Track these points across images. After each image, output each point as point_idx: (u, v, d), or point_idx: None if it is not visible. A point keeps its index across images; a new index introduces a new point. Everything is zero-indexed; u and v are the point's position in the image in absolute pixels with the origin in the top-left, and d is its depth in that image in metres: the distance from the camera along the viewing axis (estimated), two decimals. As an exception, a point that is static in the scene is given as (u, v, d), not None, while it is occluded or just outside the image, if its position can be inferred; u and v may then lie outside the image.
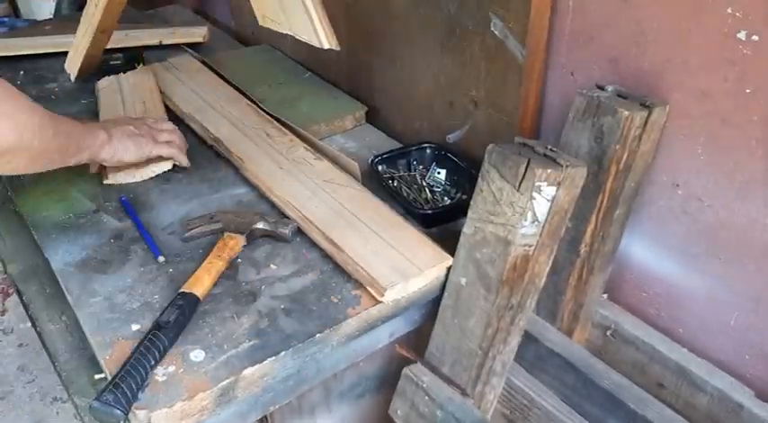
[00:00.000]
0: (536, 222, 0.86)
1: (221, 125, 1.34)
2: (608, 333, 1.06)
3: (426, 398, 1.00)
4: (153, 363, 0.85)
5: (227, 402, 0.88)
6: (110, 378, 0.84)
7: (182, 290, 0.94)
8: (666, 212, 0.99)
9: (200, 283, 0.96)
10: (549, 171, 0.83)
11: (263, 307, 0.97)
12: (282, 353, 0.90)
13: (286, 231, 1.07)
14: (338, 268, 1.04)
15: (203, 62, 1.61)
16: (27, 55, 1.68)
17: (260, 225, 1.07)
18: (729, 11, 0.82)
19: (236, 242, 1.04)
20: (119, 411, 0.79)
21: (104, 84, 1.51)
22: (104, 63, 1.61)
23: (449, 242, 1.01)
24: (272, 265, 1.04)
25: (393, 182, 1.24)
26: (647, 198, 1.00)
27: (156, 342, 0.86)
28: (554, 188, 0.84)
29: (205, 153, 1.32)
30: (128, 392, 0.80)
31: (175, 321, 0.89)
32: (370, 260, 1.00)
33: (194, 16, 2.05)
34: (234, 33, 1.94)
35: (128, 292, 0.99)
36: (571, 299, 1.04)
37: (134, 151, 1.15)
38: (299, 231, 1.09)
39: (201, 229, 1.08)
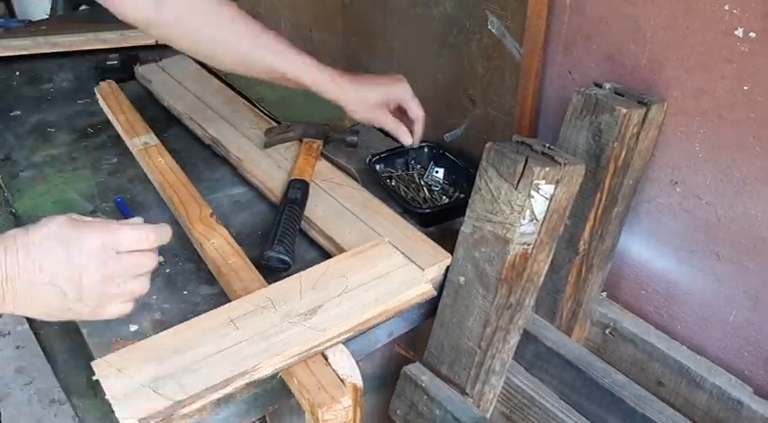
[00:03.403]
0: (534, 221, 0.86)
1: (219, 125, 1.34)
2: (607, 331, 1.06)
3: (425, 397, 1.00)
4: (296, 226, 1.06)
5: (227, 402, 0.87)
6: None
7: (293, 178, 1.14)
8: (665, 210, 0.99)
9: (305, 172, 1.16)
10: (547, 169, 0.83)
11: (261, 307, 0.97)
12: (281, 353, 0.90)
13: (355, 138, 1.26)
14: (337, 268, 1.04)
15: (199, 62, 1.60)
16: (23, 55, 1.67)
17: (334, 133, 1.27)
18: (727, 8, 0.82)
19: (318, 144, 1.24)
20: (286, 258, 1.00)
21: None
22: (100, 64, 1.61)
23: (447, 241, 1.01)
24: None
25: (391, 181, 1.23)
26: (646, 195, 1.00)
27: (294, 210, 1.07)
28: (552, 186, 0.84)
29: (202, 153, 1.32)
30: (288, 246, 1.02)
31: (301, 197, 1.10)
32: (370, 259, 1.00)
33: (190, 16, 2.03)
34: (230, 33, 1.93)
35: (126, 293, 0.99)
36: (570, 297, 1.04)
37: (43, 311, 0.68)
38: (300, 231, 1.09)
39: (280, 136, 1.25)
